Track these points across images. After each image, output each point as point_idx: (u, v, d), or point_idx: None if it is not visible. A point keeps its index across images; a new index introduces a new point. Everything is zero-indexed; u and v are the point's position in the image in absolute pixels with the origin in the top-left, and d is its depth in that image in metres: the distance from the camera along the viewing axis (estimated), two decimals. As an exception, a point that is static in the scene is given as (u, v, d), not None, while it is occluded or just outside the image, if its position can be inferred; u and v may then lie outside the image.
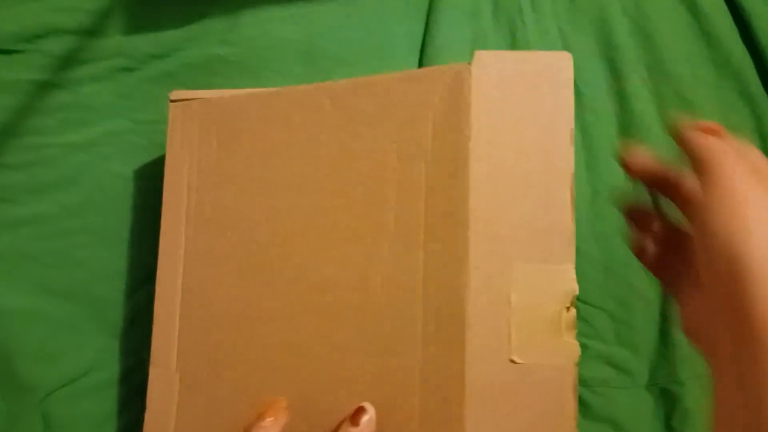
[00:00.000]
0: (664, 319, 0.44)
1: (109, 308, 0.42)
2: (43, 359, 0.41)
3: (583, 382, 0.42)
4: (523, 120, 0.29)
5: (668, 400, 0.42)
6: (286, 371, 0.32)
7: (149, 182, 0.43)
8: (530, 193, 0.28)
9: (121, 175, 0.44)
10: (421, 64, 0.46)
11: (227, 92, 0.37)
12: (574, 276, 0.28)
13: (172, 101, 0.37)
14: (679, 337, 0.43)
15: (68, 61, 0.44)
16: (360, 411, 0.30)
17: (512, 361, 0.27)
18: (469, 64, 0.29)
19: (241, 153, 0.35)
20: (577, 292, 0.28)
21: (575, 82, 0.46)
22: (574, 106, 0.42)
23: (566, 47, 0.47)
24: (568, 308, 0.28)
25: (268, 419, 0.31)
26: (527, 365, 0.27)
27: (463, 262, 0.28)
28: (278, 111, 0.34)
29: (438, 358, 0.28)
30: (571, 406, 0.27)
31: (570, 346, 0.28)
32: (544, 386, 0.27)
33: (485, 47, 0.46)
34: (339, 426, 0.30)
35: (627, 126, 0.46)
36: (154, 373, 0.35)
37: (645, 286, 0.44)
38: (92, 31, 0.45)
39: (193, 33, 0.45)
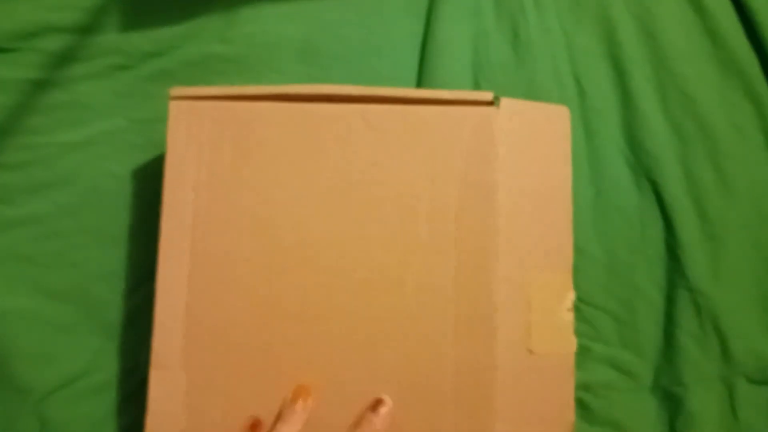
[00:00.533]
0: (668, 320, 0.43)
1: (105, 309, 0.42)
2: (40, 361, 0.41)
3: (585, 385, 0.42)
4: (533, 157, 0.36)
5: (672, 403, 0.42)
6: (312, 367, 0.34)
7: (146, 182, 0.43)
8: (540, 215, 0.36)
9: (117, 174, 0.43)
10: (421, 63, 0.46)
11: (229, 89, 0.37)
12: (571, 284, 0.36)
13: (172, 98, 0.36)
14: (683, 339, 0.42)
15: (64, 60, 0.44)
16: (379, 402, 0.34)
17: (530, 351, 0.35)
18: (495, 106, 0.35)
19: (263, 160, 0.35)
20: (574, 298, 0.36)
21: (579, 81, 0.46)
22: (576, 103, 0.43)
23: (569, 45, 0.46)
24: (568, 309, 0.36)
25: (300, 402, 0.33)
26: (541, 354, 0.35)
27: (492, 271, 0.34)
28: (308, 125, 0.36)
29: (470, 351, 0.34)
30: (570, 385, 0.36)
31: (571, 339, 0.36)
32: (552, 371, 0.35)
33: (486, 46, 0.46)
34: (361, 415, 0.33)
35: (631, 124, 0.45)
36: (155, 375, 0.35)
37: (648, 287, 0.44)
38: (88, 29, 0.44)
39: (191, 30, 0.45)
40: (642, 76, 0.46)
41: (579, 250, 0.43)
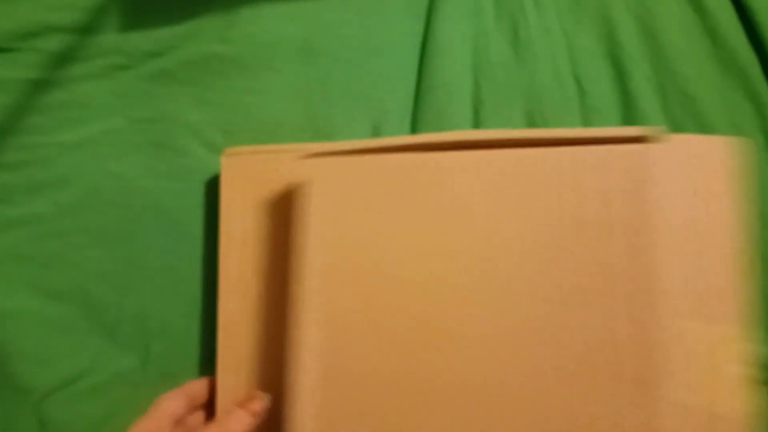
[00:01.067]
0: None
1: (105, 309, 0.42)
2: (39, 361, 0.41)
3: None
4: (691, 195, 0.33)
5: None
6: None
7: (146, 182, 0.43)
8: (702, 259, 0.33)
9: (117, 174, 0.43)
10: (421, 63, 0.45)
11: (281, 147, 0.37)
12: (740, 335, 0.32)
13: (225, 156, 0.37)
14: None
15: (64, 59, 0.44)
16: None
17: (710, 413, 0.31)
18: (650, 142, 0.32)
19: (384, 217, 0.34)
20: (747, 352, 0.32)
21: (579, 80, 0.46)
22: (577, 103, 0.42)
23: (569, 45, 0.46)
24: (734, 364, 0.32)
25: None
26: (718, 414, 0.31)
27: (659, 324, 0.31)
28: (435, 176, 0.34)
29: (636, 418, 0.30)
30: None
31: (738, 399, 0.32)
32: None
33: (487, 46, 0.46)
34: None
35: (631, 123, 0.45)
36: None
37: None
38: (88, 29, 0.44)
39: (191, 30, 0.45)
40: (642, 76, 0.46)
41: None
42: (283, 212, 0.37)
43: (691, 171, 0.33)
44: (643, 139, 0.32)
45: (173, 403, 0.36)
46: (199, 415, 0.39)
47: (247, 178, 0.38)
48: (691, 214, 0.33)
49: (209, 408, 0.39)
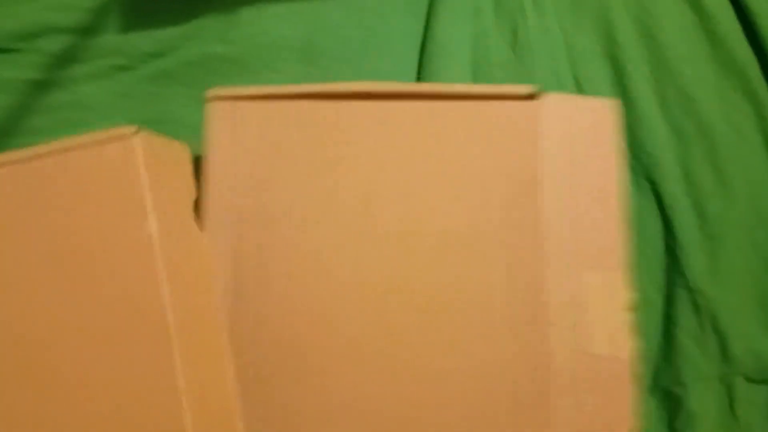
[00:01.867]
0: (667, 320, 0.43)
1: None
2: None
3: (585, 384, 0.42)
4: (579, 153, 0.35)
5: (671, 403, 0.42)
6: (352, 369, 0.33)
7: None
8: (589, 213, 0.34)
9: (118, 174, 0.43)
10: (421, 63, 0.46)
11: (265, 89, 0.35)
12: (628, 283, 0.34)
13: (210, 99, 0.35)
14: (682, 338, 0.42)
15: (65, 60, 0.44)
16: None
17: (588, 354, 0.33)
18: (537, 100, 0.34)
19: (302, 158, 0.34)
20: (632, 298, 0.34)
21: (578, 81, 0.46)
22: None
23: (568, 46, 0.46)
24: (625, 310, 0.34)
25: None
26: (599, 357, 0.33)
27: (543, 271, 0.33)
28: (345, 122, 0.34)
29: (523, 354, 0.32)
30: (630, 389, 0.33)
31: (628, 341, 0.33)
32: (609, 374, 0.33)
33: (486, 46, 0.46)
34: None
35: (630, 124, 0.45)
36: None
37: (647, 286, 0.44)
38: (90, 30, 0.44)
39: (192, 31, 0.45)
40: (641, 77, 0.46)
41: (578, 250, 0.43)
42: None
43: (576, 128, 0.35)
44: (531, 96, 0.33)
45: None
46: None
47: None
48: (577, 169, 0.35)
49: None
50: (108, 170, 0.30)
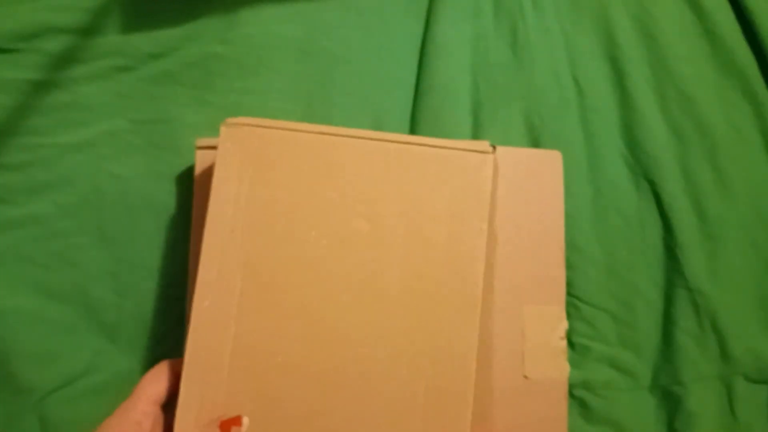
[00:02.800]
0: (667, 320, 0.43)
1: (105, 309, 0.42)
2: (40, 361, 0.41)
3: (585, 384, 0.42)
4: (528, 198, 0.40)
5: (671, 402, 0.42)
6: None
7: (146, 183, 0.43)
8: (534, 251, 0.40)
9: (118, 175, 0.43)
10: (420, 64, 0.46)
11: (278, 123, 0.37)
12: (565, 315, 0.40)
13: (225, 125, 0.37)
14: (682, 338, 0.42)
15: (65, 61, 0.44)
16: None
17: (525, 377, 0.38)
18: (492, 154, 0.36)
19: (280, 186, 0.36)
20: (567, 328, 0.40)
21: (578, 81, 0.46)
22: (575, 103, 0.43)
23: (568, 46, 0.47)
24: (561, 338, 0.39)
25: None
26: (535, 379, 0.38)
27: (489, 303, 0.38)
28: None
29: (445, 375, 0.34)
30: (564, 409, 0.39)
31: (564, 365, 0.39)
32: (546, 395, 0.39)
33: (486, 47, 0.46)
34: None
35: (629, 125, 0.45)
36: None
37: (647, 286, 0.44)
38: (90, 30, 0.44)
39: (192, 32, 0.45)
40: (641, 77, 0.46)
41: (578, 250, 0.43)
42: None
43: (526, 178, 0.40)
44: (486, 150, 0.36)
45: (156, 386, 0.35)
46: None
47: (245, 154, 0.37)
48: (525, 213, 0.40)
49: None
50: (463, 173, 0.36)
